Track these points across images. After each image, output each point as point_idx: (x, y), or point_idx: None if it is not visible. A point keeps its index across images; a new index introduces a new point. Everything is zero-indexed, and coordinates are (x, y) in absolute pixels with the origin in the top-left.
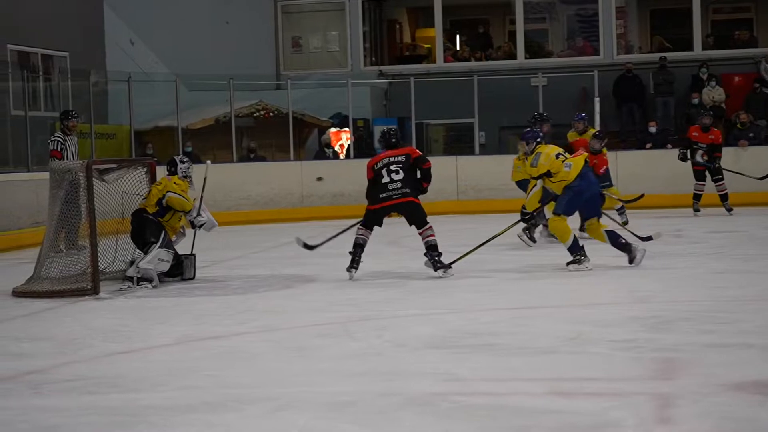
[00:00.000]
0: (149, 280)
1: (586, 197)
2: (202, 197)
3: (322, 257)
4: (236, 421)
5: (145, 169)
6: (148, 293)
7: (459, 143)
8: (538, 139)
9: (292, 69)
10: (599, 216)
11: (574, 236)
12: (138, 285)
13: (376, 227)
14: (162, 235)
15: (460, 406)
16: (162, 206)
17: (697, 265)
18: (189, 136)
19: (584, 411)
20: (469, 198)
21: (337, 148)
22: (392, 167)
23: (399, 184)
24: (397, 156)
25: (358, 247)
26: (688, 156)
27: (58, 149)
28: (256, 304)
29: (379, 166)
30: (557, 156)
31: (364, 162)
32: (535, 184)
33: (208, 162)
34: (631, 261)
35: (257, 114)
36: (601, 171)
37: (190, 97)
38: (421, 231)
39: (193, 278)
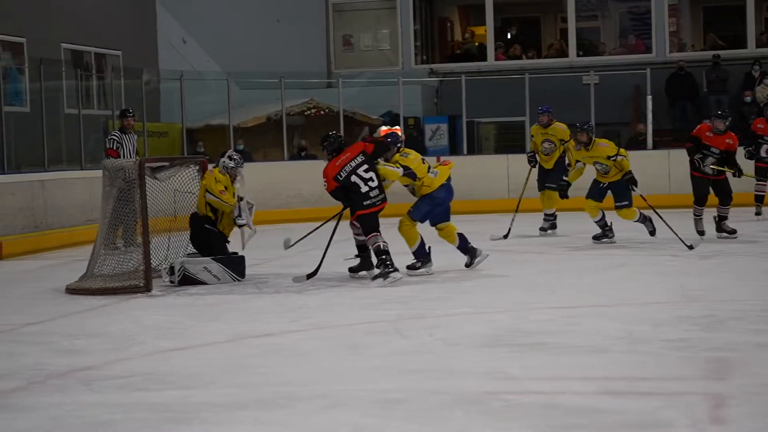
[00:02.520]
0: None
1: (445, 206)
2: (240, 202)
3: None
4: (287, 418)
5: (197, 167)
6: (199, 291)
7: (510, 141)
8: (399, 144)
9: (343, 67)
10: (449, 220)
11: (422, 240)
12: (175, 281)
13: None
14: (225, 250)
15: (510, 404)
16: (212, 207)
17: (750, 264)
18: (240, 134)
19: (635, 410)
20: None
21: None
22: (360, 171)
23: (377, 191)
24: (356, 157)
25: (387, 253)
26: (756, 152)
27: (114, 148)
28: (307, 302)
29: (344, 175)
30: (424, 161)
31: None
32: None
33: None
34: (468, 264)
35: (308, 112)
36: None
37: (241, 95)
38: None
39: (243, 278)
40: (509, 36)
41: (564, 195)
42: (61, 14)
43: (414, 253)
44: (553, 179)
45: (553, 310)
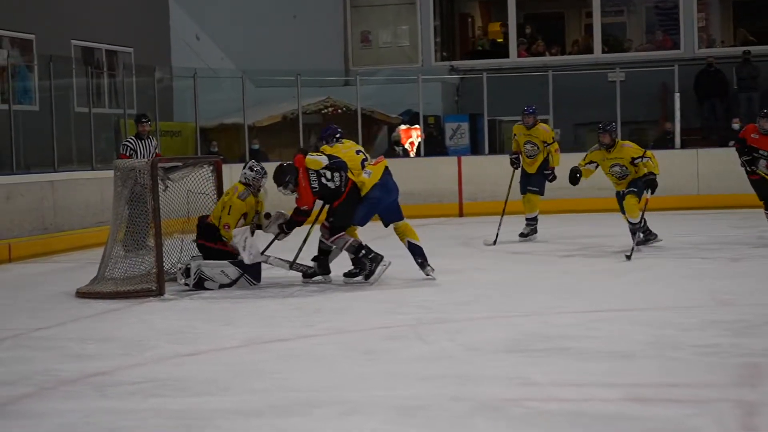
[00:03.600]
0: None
1: (385, 205)
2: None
3: (391, 258)
4: (303, 425)
5: (211, 168)
6: (213, 294)
7: None
8: (337, 135)
9: (361, 64)
10: (402, 219)
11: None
12: (191, 284)
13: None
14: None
15: (533, 411)
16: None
17: None
18: (255, 133)
19: (663, 418)
20: (542, 198)
21: (407, 145)
22: (323, 179)
23: (341, 178)
24: (306, 169)
25: (362, 246)
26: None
27: (127, 154)
28: (324, 306)
29: (316, 184)
30: (358, 152)
31: (434, 160)
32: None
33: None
34: (418, 263)
35: (325, 110)
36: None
37: (256, 93)
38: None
39: (258, 282)
40: (527, 31)
41: (575, 181)
42: (71, 10)
43: (353, 260)
44: (536, 183)
45: (578, 314)
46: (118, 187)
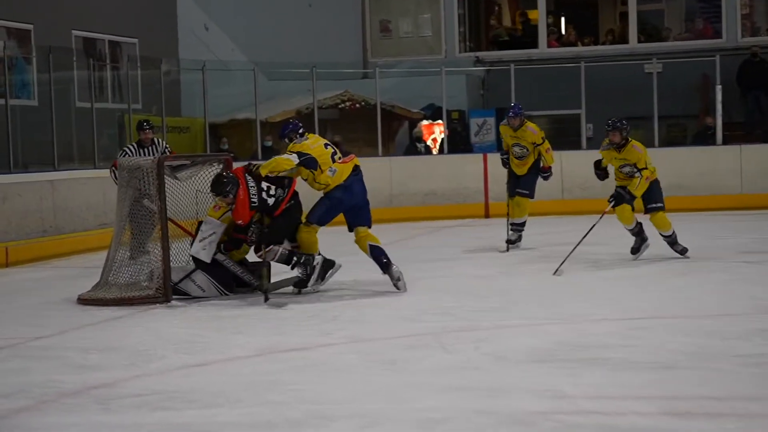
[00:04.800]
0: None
1: (348, 207)
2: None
3: (412, 261)
4: None
5: (221, 166)
6: (223, 301)
7: (564, 136)
8: (300, 131)
9: (380, 56)
10: (369, 226)
11: (320, 254)
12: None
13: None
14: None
15: (564, 425)
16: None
17: None
18: (268, 129)
19: None
20: (574, 197)
21: (429, 142)
22: (262, 186)
23: (278, 192)
24: (246, 181)
25: (292, 252)
26: None
27: None
28: (341, 313)
29: (255, 199)
30: (326, 146)
31: (459, 157)
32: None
33: None
34: (385, 272)
35: (342, 105)
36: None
37: (269, 87)
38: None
39: (230, 292)
40: (548, 21)
41: (602, 175)
42: None
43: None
44: (526, 185)
45: (613, 322)
46: (122, 187)
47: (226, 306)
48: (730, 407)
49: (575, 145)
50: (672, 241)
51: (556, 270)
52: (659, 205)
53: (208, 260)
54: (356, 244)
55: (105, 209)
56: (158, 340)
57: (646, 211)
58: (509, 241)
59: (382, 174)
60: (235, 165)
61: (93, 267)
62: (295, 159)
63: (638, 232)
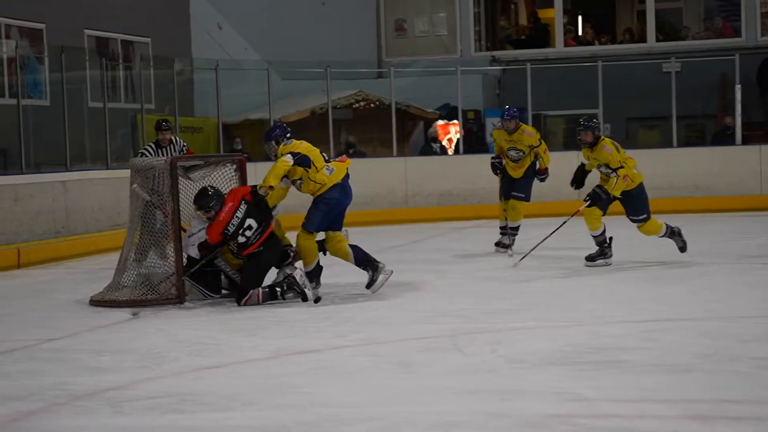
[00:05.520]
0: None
1: (342, 208)
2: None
3: (427, 263)
4: None
5: (234, 167)
6: (234, 303)
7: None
8: (288, 134)
9: (395, 55)
10: (341, 229)
11: (318, 262)
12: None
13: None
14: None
15: (581, 429)
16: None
17: None
18: None
19: None
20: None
21: (444, 142)
22: (245, 224)
23: (254, 233)
24: (239, 207)
25: (273, 290)
26: None
27: None
28: (355, 315)
29: (232, 229)
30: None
31: (474, 158)
32: None
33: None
34: (369, 284)
35: (357, 105)
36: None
37: (283, 86)
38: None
39: (217, 294)
40: (580, 19)
41: (579, 184)
42: None
43: (308, 274)
44: (522, 188)
45: (630, 324)
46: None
47: (239, 308)
48: (750, 410)
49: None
50: (669, 235)
51: (517, 263)
52: (644, 216)
53: (195, 256)
54: (333, 249)
55: (118, 210)
56: (171, 342)
57: (632, 221)
58: (505, 246)
59: (397, 174)
60: (249, 165)
61: (105, 268)
62: (290, 159)
63: (601, 243)
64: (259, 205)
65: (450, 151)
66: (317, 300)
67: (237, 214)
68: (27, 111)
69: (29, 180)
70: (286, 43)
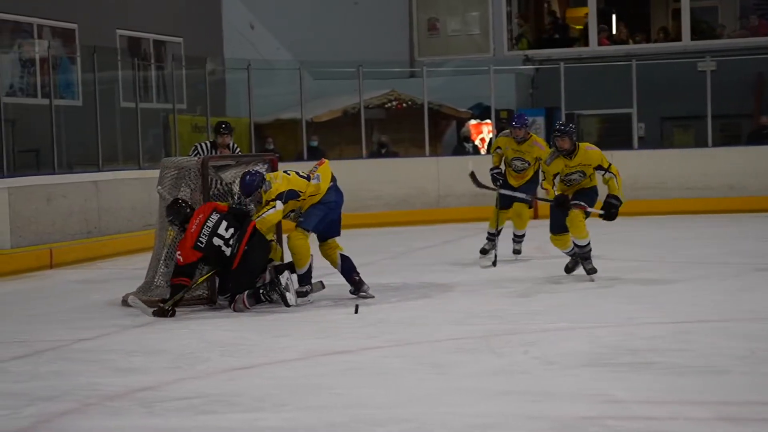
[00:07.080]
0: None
1: (337, 213)
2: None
3: (461, 264)
4: None
5: (266, 166)
6: (265, 304)
7: (615, 136)
8: (263, 177)
9: (427, 55)
10: (339, 235)
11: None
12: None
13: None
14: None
15: (615, 431)
16: None
17: None
18: (314, 129)
19: None
20: (626, 198)
21: (477, 142)
22: (220, 230)
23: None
24: (209, 216)
25: (258, 293)
26: None
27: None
28: (387, 316)
29: (204, 239)
30: (286, 172)
31: None
32: None
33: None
34: (355, 291)
35: (389, 105)
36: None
37: (315, 86)
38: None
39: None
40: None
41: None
42: None
43: (300, 276)
44: (525, 193)
45: (663, 326)
46: (165, 187)
47: (271, 309)
48: None
49: (626, 145)
50: (575, 253)
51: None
52: (582, 204)
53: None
54: (325, 254)
55: (150, 210)
56: (202, 342)
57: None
58: (516, 251)
59: (429, 174)
60: (280, 165)
61: (137, 269)
62: (279, 206)
63: (586, 255)
64: (236, 215)
65: (482, 151)
66: (303, 295)
67: (207, 224)
68: (59, 111)
69: (62, 180)
70: (318, 43)
